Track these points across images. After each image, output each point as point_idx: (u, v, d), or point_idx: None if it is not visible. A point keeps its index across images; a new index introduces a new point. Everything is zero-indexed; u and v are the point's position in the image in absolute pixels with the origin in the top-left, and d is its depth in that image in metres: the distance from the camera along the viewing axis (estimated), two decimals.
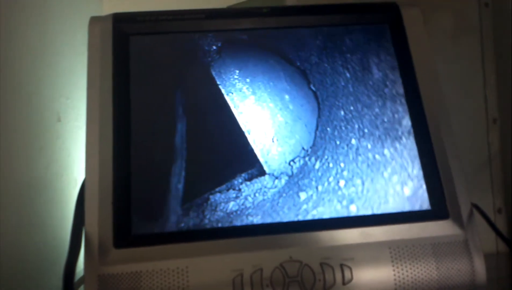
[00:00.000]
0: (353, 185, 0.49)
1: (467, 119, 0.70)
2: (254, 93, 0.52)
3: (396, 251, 0.46)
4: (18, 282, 0.54)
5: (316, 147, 0.51)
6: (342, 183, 0.49)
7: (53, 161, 0.64)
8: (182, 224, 0.47)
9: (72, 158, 0.69)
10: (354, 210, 0.49)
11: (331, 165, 0.50)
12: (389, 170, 0.50)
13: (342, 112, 0.52)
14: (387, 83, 0.53)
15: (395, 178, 0.50)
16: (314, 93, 0.52)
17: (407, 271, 0.46)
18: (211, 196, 0.48)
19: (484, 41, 0.71)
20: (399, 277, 0.46)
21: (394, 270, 0.46)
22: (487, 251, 0.50)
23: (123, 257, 0.45)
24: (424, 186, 0.50)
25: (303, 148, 0.51)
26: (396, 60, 0.55)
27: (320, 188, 0.49)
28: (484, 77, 0.71)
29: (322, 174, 0.50)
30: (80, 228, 0.47)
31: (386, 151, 0.51)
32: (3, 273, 0.51)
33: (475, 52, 0.71)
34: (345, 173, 0.50)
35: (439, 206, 0.49)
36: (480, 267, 0.47)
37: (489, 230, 0.54)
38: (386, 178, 0.50)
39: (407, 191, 0.49)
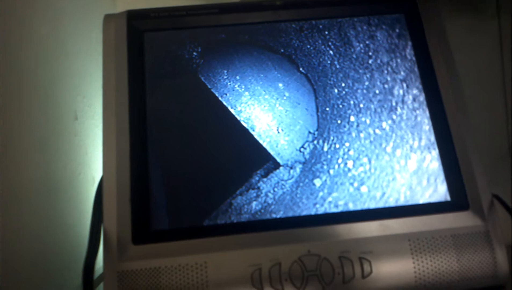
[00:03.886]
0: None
1: (486, 110, 0.69)
2: (247, 89, 0.52)
3: (415, 243, 0.46)
4: (38, 280, 0.55)
5: (321, 128, 0.50)
6: (350, 163, 0.49)
7: (70, 159, 0.65)
8: (202, 222, 0.47)
9: (89, 156, 0.69)
10: (365, 191, 0.48)
11: (337, 146, 0.50)
12: (408, 161, 0.50)
13: (350, 98, 0.52)
14: (405, 76, 0.53)
15: (412, 166, 0.49)
16: (305, 75, 0.52)
17: (427, 263, 0.45)
18: (233, 201, 0.48)
19: (503, 32, 0.70)
20: (419, 269, 0.45)
21: (414, 263, 0.45)
22: (508, 242, 0.50)
23: (142, 253, 0.45)
24: (443, 177, 0.49)
25: (309, 132, 0.50)
26: (413, 50, 0.54)
27: (331, 171, 0.49)
28: (503, 68, 0.70)
29: (331, 156, 0.49)
30: (98, 226, 0.47)
31: (408, 148, 0.50)
32: (23, 271, 0.52)
33: (494, 43, 0.70)
34: (351, 152, 0.49)
35: (459, 197, 0.48)
36: (502, 259, 0.46)
37: (510, 221, 0.53)
38: (402, 165, 0.49)
39: (425, 181, 0.49)
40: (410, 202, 0.48)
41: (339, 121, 0.51)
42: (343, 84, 0.52)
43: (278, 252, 0.45)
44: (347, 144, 0.50)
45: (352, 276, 0.45)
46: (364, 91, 0.52)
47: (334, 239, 0.46)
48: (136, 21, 0.54)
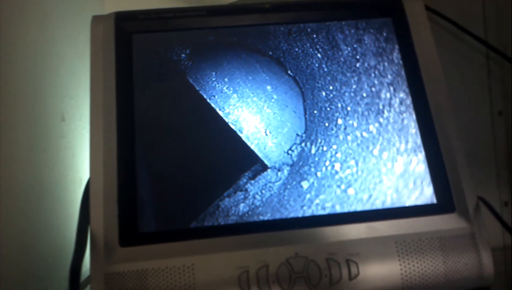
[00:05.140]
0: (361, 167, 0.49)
1: (472, 112, 0.69)
2: (235, 91, 0.52)
3: (402, 245, 0.46)
4: (25, 283, 0.54)
5: (309, 131, 0.51)
6: (337, 166, 0.49)
7: (58, 161, 0.64)
8: (189, 224, 0.47)
9: (76, 158, 0.69)
10: (352, 194, 0.49)
11: (325, 148, 0.50)
12: (395, 165, 0.50)
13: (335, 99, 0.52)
14: (392, 79, 0.53)
15: (399, 169, 0.50)
16: (293, 78, 0.52)
17: (413, 265, 0.46)
18: (220, 203, 0.48)
19: (488, 33, 0.71)
20: (405, 271, 0.46)
21: (400, 265, 0.46)
22: (493, 244, 0.50)
23: (129, 255, 0.45)
24: (429, 180, 0.50)
25: (297, 134, 0.51)
26: (400, 54, 0.54)
27: (319, 174, 0.49)
28: (488, 69, 0.71)
29: (319, 159, 0.50)
30: (85, 228, 0.47)
31: (396, 153, 0.51)
32: (10, 273, 0.52)
33: (479, 44, 0.70)
34: (338, 155, 0.50)
35: (445, 200, 0.49)
36: (487, 260, 0.47)
37: (495, 224, 0.53)
38: (391, 169, 0.50)
39: (412, 183, 0.49)
40: (397, 205, 0.49)
41: (326, 124, 0.51)
42: (330, 87, 0.52)
43: (265, 254, 0.45)
44: (334, 146, 0.50)
45: (339, 278, 0.45)
46: (352, 94, 0.52)
47: (322, 241, 0.46)
48: (125, 23, 0.54)
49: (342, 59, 0.54)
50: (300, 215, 0.48)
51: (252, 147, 0.50)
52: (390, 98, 0.52)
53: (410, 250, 0.46)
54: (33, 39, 0.61)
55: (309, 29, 0.55)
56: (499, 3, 0.71)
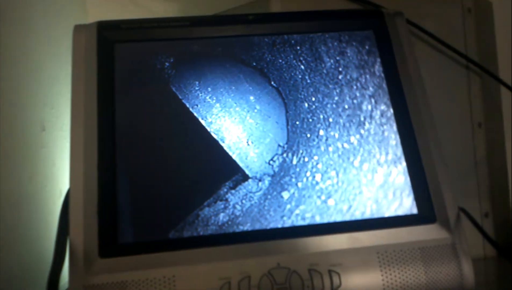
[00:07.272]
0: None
1: (452, 123, 0.70)
2: (218, 100, 0.52)
3: (384, 256, 0.46)
4: None
5: (291, 142, 0.51)
6: (318, 177, 0.49)
7: (37, 171, 0.63)
8: (168, 233, 0.46)
9: (57, 168, 0.68)
10: (332, 204, 0.49)
11: (306, 159, 0.50)
12: (375, 176, 0.50)
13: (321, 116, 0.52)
14: (373, 91, 0.54)
15: (379, 180, 0.50)
16: (277, 89, 0.53)
17: (395, 276, 0.46)
18: (200, 212, 0.47)
19: (468, 46, 0.72)
20: (387, 281, 0.46)
21: (382, 275, 0.46)
22: (474, 255, 0.50)
23: (108, 266, 0.44)
24: (410, 190, 0.50)
25: (279, 145, 0.51)
26: (382, 66, 0.55)
27: (300, 184, 0.49)
28: (469, 82, 0.72)
29: (300, 170, 0.50)
30: (64, 238, 0.46)
31: (377, 164, 0.51)
32: None
33: (459, 57, 0.71)
34: (319, 166, 0.50)
35: (426, 210, 0.49)
36: (468, 271, 0.47)
37: (476, 235, 0.54)
38: (370, 180, 0.50)
39: (392, 194, 0.50)
40: (377, 215, 0.49)
41: (308, 135, 0.51)
42: (313, 99, 0.53)
43: (247, 265, 0.45)
44: (315, 157, 0.50)
45: (321, 288, 0.45)
46: (334, 105, 0.53)
47: (304, 252, 0.46)
48: (107, 32, 0.53)
49: (325, 71, 0.54)
50: (280, 225, 0.48)
51: (234, 157, 0.50)
52: (372, 110, 0.53)
53: (392, 261, 0.46)
54: (13, 48, 0.60)
55: (293, 41, 0.55)
56: (478, 17, 0.72)
